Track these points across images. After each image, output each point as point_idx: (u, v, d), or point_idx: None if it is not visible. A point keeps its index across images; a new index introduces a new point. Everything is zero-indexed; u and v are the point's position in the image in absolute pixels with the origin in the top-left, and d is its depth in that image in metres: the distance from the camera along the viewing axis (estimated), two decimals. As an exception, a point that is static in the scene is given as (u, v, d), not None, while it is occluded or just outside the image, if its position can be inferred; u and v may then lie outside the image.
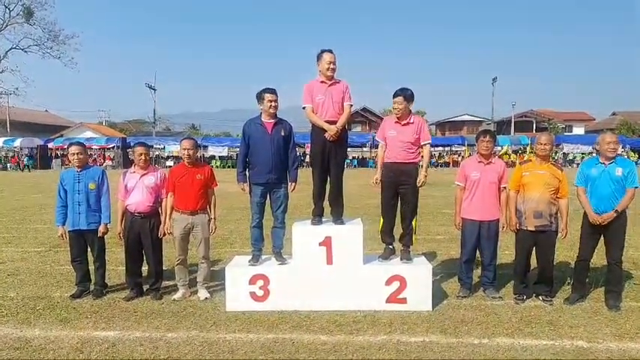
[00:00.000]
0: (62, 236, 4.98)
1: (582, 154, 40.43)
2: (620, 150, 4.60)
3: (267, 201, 4.84)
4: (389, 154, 4.80)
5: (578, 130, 57.65)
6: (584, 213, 4.67)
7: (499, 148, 36.67)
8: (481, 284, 5.07)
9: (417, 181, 4.74)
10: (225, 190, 10.51)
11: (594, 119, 62.46)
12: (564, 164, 34.73)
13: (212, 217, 4.97)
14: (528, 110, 59.31)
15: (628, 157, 33.56)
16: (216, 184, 5.05)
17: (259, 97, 4.71)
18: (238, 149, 5.26)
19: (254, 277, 4.60)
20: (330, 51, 4.70)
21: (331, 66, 4.65)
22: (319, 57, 4.68)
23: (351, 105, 4.82)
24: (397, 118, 4.76)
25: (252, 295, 4.57)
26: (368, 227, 5.07)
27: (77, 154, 4.88)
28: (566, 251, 6.39)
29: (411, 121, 4.77)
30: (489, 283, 4.95)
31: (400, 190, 4.79)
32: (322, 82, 4.70)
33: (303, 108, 4.79)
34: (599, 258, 4.89)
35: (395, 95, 4.73)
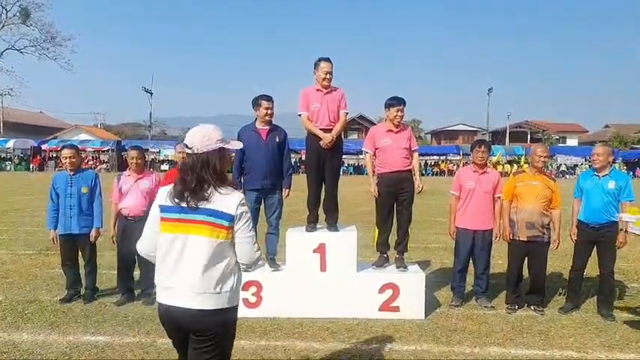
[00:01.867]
0: (53, 240, 4.93)
1: (575, 165, 40.81)
2: (610, 161, 4.67)
3: (261, 207, 4.83)
4: (387, 164, 4.74)
5: (572, 142, 58.17)
6: (578, 224, 4.73)
7: (492, 158, 36.91)
8: (474, 293, 5.08)
9: (417, 187, 4.77)
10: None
11: (587, 131, 63.05)
12: (558, 175, 34.95)
13: None
14: (523, 121, 59.79)
15: (620, 169, 33.87)
16: None
17: (255, 103, 4.71)
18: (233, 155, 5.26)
19: (247, 283, 4.57)
20: (328, 60, 4.69)
21: (327, 76, 4.64)
22: (316, 65, 4.69)
23: (347, 113, 4.83)
24: (394, 125, 4.77)
25: (245, 301, 4.55)
26: (362, 234, 5.08)
27: (69, 157, 4.85)
28: (558, 261, 6.43)
29: (402, 127, 4.80)
30: (482, 292, 4.96)
31: (399, 198, 4.78)
32: (318, 89, 4.72)
33: (299, 115, 4.80)
34: (590, 269, 4.92)
35: (397, 103, 4.71)
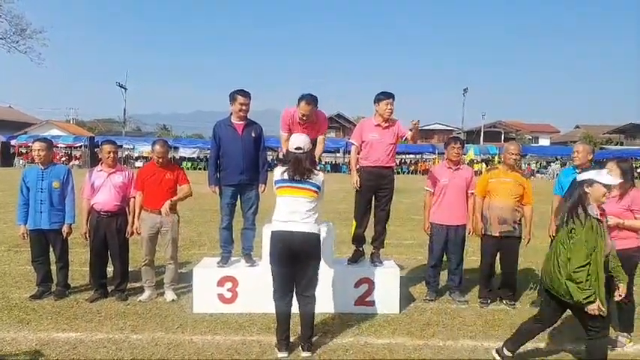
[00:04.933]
0: (23, 235, 4.80)
1: (547, 162, 42.01)
2: (589, 159, 4.79)
3: (237, 203, 4.81)
4: (370, 158, 4.74)
5: (544, 142, 59.73)
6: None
7: (464, 156, 37.51)
8: (447, 288, 5.18)
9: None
10: (196, 191, 10.37)
11: (559, 131, 64.83)
12: (530, 174, 35.82)
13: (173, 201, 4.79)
14: (497, 121, 61.00)
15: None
16: (188, 182, 4.93)
17: (232, 97, 4.65)
18: (209, 151, 5.19)
19: (222, 278, 4.55)
20: (307, 100, 4.49)
21: (304, 117, 4.52)
22: (299, 102, 4.54)
23: (324, 137, 4.86)
24: (384, 120, 4.74)
25: (220, 296, 4.53)
26: (338, 231, 5.11)
27: (39, 150, 4.74)
28: (530, 257, 6.60)
29: (391, 123, 4.79)
30: (455, 287, 5.06)
31: (379, 194, 4.79)
32: (300, 122, 4.62)
33: (281, 135, 4.77)
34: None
35: (386, 97, 4.68)
